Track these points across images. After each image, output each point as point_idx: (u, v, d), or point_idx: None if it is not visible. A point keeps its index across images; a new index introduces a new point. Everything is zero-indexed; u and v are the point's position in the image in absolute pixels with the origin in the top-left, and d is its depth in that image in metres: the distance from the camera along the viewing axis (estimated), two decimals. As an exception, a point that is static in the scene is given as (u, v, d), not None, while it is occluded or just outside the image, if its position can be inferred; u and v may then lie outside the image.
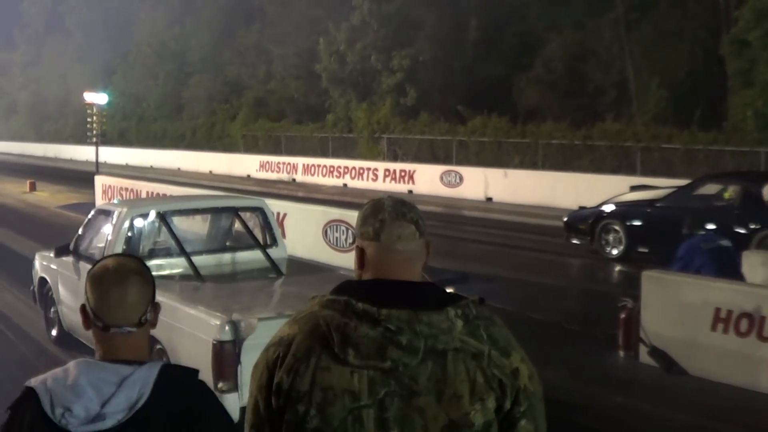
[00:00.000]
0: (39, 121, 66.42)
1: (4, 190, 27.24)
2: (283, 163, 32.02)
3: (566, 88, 27.04)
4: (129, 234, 7.01)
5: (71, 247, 7.67)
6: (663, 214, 12.27)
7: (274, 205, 14.26)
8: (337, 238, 12.33)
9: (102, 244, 7.12)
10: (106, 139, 38.15)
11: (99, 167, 27.23)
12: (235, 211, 7.76)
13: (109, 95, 31.55)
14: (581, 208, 15.07)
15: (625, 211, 13.05)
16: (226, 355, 4.98)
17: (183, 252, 6.86)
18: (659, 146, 21.93)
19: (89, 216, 7.89)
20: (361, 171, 28.05)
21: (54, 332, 8.14)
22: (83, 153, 45.52)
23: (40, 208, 21.95)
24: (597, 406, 6.56)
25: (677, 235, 8.84)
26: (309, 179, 29.97)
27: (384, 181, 26.85)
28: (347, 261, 10.43)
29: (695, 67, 23.96)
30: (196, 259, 6.88)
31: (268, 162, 32.83)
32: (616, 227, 13.03)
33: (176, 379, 1.91)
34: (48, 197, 24.34)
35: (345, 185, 28.15)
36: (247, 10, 41.57)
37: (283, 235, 13.39)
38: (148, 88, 48.43)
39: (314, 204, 15.03)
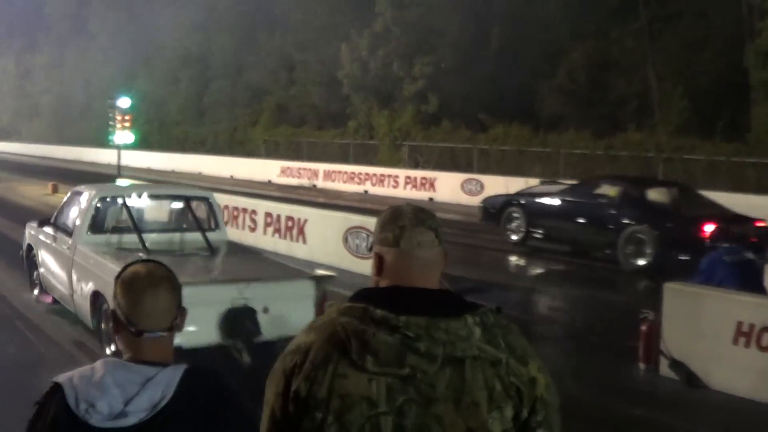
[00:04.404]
0: (61, 123, 67.18)
1: (27, 192, 27.48)
2: (304, 169, 32.30)
3: (588, 97, 27.07)
4: (95, 213, 8.39)
5: (52, 220, 9.29)
6: (555, 204, 14.57)
7: (295, 211, 14.57)
8: (357, 244, 12.51)
9: (74, 219, 8.56)
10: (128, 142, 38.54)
11: (121, 170, 27.62)
12: (186, 199, 9.13)
13: (132, 99, 31.89)
14: (497, 195, 17.16)
15: (527, 200, 15.14)
16: None
17: (136, 229, 8.17)
18: (681, 157, 21.87)
19: (67, 195, 9.34)
20: (382, 178, 28.19)
21: (36, 291, 9.76)
22: (105, 156, 45.57)
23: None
24: (616, 418, 6.58)
25: (565, 222, 12.84)
26: (330, 185, 30.16)
27: (405, 188, 27.03)
28: (368, 268, 10.71)
29: (718, 78, 23.86)
30: (149, 236, 8.28)
31: (289, 167, 33.11)
32: (517, 214, 15.15)
33: (199, 382, 1.95)
34: None
35: (366, 192, 28.29)
36: (270, 15, 41.86)
37: (304, 240, 13.91)
38: (171, 93, 49.04)
39: (335, 210, 15.20)
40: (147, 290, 1.98)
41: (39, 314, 9.18)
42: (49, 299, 9.38)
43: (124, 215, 8.62)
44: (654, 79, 25.47)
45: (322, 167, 31.43)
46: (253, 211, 15.50)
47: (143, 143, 49.41)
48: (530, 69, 28.71)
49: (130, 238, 8.18)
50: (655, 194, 13.62)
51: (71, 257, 8.20)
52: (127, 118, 30.46)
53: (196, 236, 8.55)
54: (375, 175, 28.55)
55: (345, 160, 32.63)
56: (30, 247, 10.02)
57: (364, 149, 32.72)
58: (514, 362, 1.76)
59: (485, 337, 1.74)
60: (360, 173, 29.23)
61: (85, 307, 7.59)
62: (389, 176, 28.04)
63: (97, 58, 60.99)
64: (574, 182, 15.96)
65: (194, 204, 9.01)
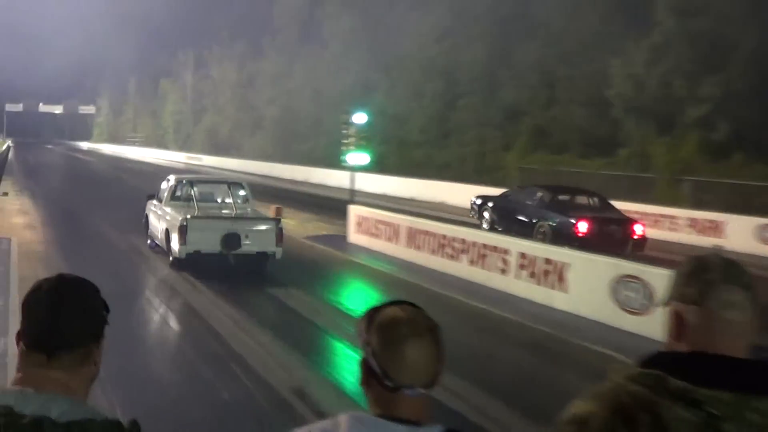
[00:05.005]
0: (287, 139, 72.06)
1: None
2: None
3: None
4: (173, 188, 18.32)
5: (155, 195, 19.36)
6: (504, 203, 24.74)
7: (554, 253, 15.24)
8: (628, 297, 12.70)
9: (163, 192, 18.61)
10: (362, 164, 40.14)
11: (354, 195, 30.26)
12: (227, 184, 19.56)
13: (368, 115, 33.87)
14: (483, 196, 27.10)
15: (494, 200, 25.58)
16: (182, 229, 16.06)
17: (193, 198, 17.70)
18: None
19: (163, 181, 19.30)
20: (658, 219, 28.26)
21: (149, 241, 19.56)
22: (335, 178, 48.07)
23: (287, 238, 22.31)
24: None
25: (509, 216, 23.14)
26: (594, 223, 31.00)
27: (685, 232, 27.20)
28: (639, 325, 12.52)
29: None
30: (202, 204, 17.64)
31: None
32: (486, 210, 25.55)
33: None
34: (295, 226, 25.57)
35: (636, 234, 28.93)
36: (528, 23, 43.26)
37: (564, 288, 14.49)
38: (412, 109, 51.88)
39: (602, 255, 15.03)
40: (409, 340, 2.09)
41: (255, 356, 10.56)
42: (153, 245, 19.20)
43: (190, 191, 18.20)
44: None
45: (586, 202, 32.34)
46: (505, 251, 16.15)
47: (378, 165, 52.24)
48: None
49: (190, 204, 17.48)
50: (563, 199, 23.23)
51: (159, 213, 18.35)
52: (362, 135, 33.70)
53: (230, 204, 18.28)
54: (649, 214, 28.48)
55: (613, 194, 31.62)
56: (146, 215, 20.02)
57: (636, 182, 32.85)
58: None
59: None
60: (631, 211, 28.35)
61: (162, 238, 17.75)
62: (666, 216, 28.22)
63: (329, 67, 65.34)
64: (519, 188, 26.69)
65: (233, 187, 19.19)
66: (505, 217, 24.18)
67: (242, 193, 19.14)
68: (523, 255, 15.66)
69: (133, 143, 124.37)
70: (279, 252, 16.80)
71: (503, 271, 16.06)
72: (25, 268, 15.76)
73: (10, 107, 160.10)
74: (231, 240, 16.33)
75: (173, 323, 13.12)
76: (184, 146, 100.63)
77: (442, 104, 49.54)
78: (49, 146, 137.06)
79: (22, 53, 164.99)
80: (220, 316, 13.09)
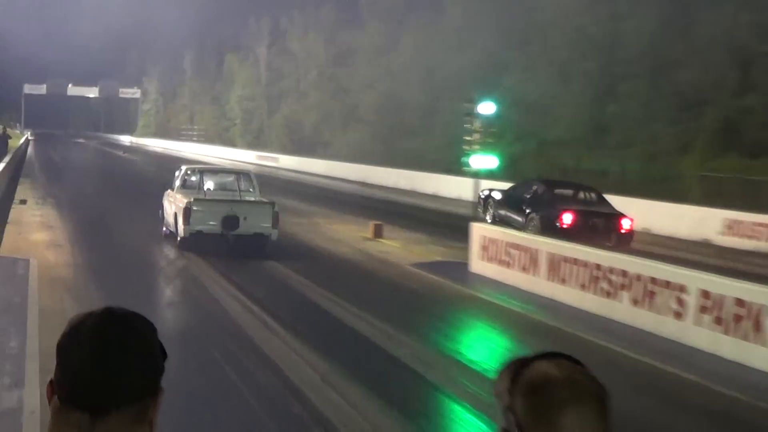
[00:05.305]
0: (390, 135, 72.02)
1: (338, 234, 29.72)
2: (763, 225, 32.82)
3: None
4: (184, 177, 25.78)
5: (170, 186, 26.15)
6: (506, 197, 31.70)
7: (748, 292, 14.64)
8: None
9: (175, 179, 25.90)
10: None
11: (479, 210, 30.74)
12: (235, 173, 28.41)
13: (498, 104, 34.41)
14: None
15: (500, 193, 32.30)
16: (186, 211, 22.94)
17: (201, 186, 25.44)
18: None
19: (176, 172, 26.53)
20: None
21: (164, 229, 25.88)
22: (453, 187, 48.39)
23: (388, 265, 23.84)
24: None
25: (516, 207, 30.31)
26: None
27: None
28: None
29: None
30: (211, 191, 25.68)
31: (738, 221, 33.94)
32: (490, 204, 32.40)
33: None
34: (399, 249, 26.24)
35: None
36: None
37: (762, 340, 14.00)
38: (556, 98, 51.67)
39: None
40: (568, 408, 2.13)
41: (346, 420, 10.76)
42: (167, 232, 25.42)
43: (198, 179, 25.79)
44: None
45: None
46: (681, 287, 16.05)
47: (510, 171, 52.03)
48: None
49: (196, 190, 24.91)
50: (557, 193, 30.23)
51: (171, 200, 25.06)
52: (490, 131, 33.51)
53: (235, 191, 25.60)
54: None
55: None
56: (162, 205, 26.53)
57: None
58: None
59: None
60: None
61: (172, 222, 24.33)
62: None
63: (446, 40, 65.23)
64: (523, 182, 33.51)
65: (240, 176, 27.09)
66: (505, 210, 31.41)
67: (249, 182, 26.42)
68: (705, 294, 15.43)
69: (190, 138, 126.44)
70: (275, 234, 23.65)
71: (678, 315, 15.92)
72: (48, 299, 15.89)
73: (30, 89, 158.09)
74: (230, 221, 23.29)
75: (243, 379, 12.56)
76: (255, 143, 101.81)
77: (597, 91, 49.34)
78: (80, 140, 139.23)
79: (46, 17, 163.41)
80: (301, 364, 13.18)
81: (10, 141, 59.80)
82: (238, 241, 23.51)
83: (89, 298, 15.60)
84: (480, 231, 22.86)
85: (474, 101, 31.93)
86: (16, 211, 30.55)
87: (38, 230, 26.47)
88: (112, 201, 38.31)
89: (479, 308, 19.00)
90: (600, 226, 27.66)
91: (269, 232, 23.42)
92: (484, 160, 32.35)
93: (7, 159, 44.89)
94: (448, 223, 32.97)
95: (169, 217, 25.30)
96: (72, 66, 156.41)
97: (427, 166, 58.24)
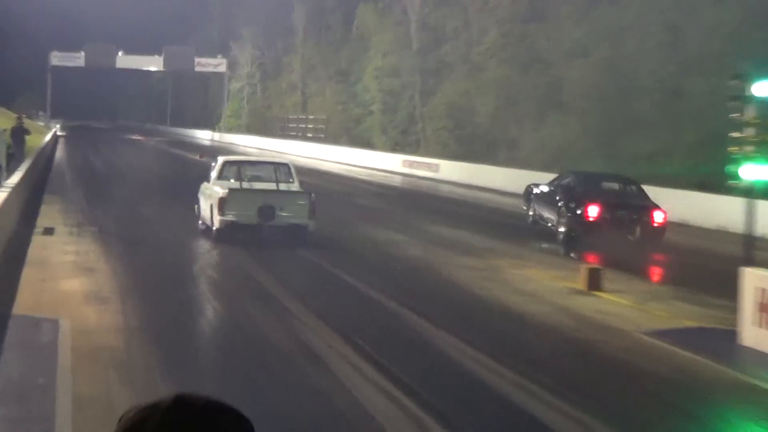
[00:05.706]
0: (609, 128, 53.94)
1: (532, 283, 23.22)
2: None
3: None
4: (221, 168, 28.06)
5: (209, 178, 28.17)
6: (548, 191, 33.36)
7: None
8: None
9: (212, 171, 28.43)
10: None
11: (753, 248, 22.13)
12: (273, 165, 30.86)
13: None
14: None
15: (542, 187, 34.33)
16: (221, 201, 26.21)
17: (239, 177, 28.01)
18: None
19: (212, 163, 29.82)
20: None
21: (200, 223, 27.72)
22: (711, 211, 37.16)
23: (610, 334, 18.79)
24: None
25: (551, 201, 32.78)
26: None
27: None
28: None
29: None
30: (248, 183, 28.03)
31: None
32: (532, 200, 34.62)
33: None
34: (628, 307, 21.15)
35: None
36: None
37: None
38: None
39: None
40: None
41: None
42: (203, 227, 27.09)
43: (236, 170, 28.25)
44: None
45: None
46: None
47: None
48: None
49: (235, 181, 27.59)
50: (590, 185, 32.22)
51: (207, 193, 27.02)
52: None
53: (273, 183, 27.57)
54: None
55: None
56: (198, 199, 28.42)
57: None
58: None
59: None
60: None
61: (208, 216, 26.49)
62: None
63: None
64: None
65: (278, 167, 29.04)
66: (542, 205, 32.63)
67: (287, 172, 27.76)
68: None
69: (302, 134, 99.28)
70: (312, 224, 25.38)
71: None
72: (87, 382, 13.18)
73: (60, 58, 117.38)
74: (266, 212, 24.97)
75: None
76: (401, 142, 77.48)
77: None
78: (135, 136, 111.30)
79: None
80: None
81: (29, 138, 47.10)
82: (274, 233, 25.50)
83: (149, 381, 13.49)
84: (757, 281, 17.77)
85: (745, 78, 23.84)
86: (38, 246, 24.58)
87: (72, 275, 21.30)
88: (184, 233, 29.70)
89: (759, 404, 14.98)
90: (625, 219, 28.91)
91: (306, 222, 25.37)
92: (763, 170, 24.00)
93: (25, 166, 36.14)
94: (704, 266, 27.62)
95: (206, 213, 26.70)
96: (122, 25, 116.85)
97: (667, 177, 43.96)
